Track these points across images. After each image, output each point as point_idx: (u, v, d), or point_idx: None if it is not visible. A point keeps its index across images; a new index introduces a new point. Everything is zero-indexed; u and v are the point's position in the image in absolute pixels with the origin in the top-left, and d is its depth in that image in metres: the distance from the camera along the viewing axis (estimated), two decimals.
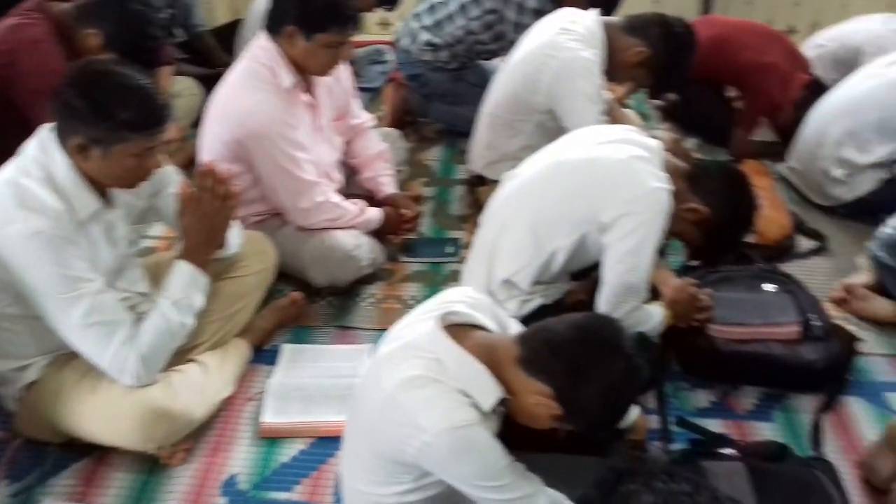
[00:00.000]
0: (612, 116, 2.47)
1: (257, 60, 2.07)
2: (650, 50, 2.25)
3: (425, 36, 2.81)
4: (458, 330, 1.39)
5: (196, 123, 2.43)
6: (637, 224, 1.75)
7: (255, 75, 2.06)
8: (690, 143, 2.94)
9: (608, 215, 1.77)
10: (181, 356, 1.81)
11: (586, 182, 1.82)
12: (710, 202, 1.84)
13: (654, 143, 1.88)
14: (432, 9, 2.83)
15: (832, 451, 1.83)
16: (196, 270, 1.73)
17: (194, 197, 1.72)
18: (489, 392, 1.34)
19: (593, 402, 1.31)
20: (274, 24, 2.05)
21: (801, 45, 3.10)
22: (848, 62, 2.80)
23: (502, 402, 1.36)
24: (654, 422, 1.88)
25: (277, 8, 2.06)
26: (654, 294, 1.98)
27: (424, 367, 1.35)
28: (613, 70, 2.32)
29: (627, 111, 2.78)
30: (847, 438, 1.87)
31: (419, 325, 1.43)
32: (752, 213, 1.93)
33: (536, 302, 1.93)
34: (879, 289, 2.22)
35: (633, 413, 1.67)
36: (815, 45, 3.01)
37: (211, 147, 2.12)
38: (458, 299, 1.48)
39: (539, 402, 1.32)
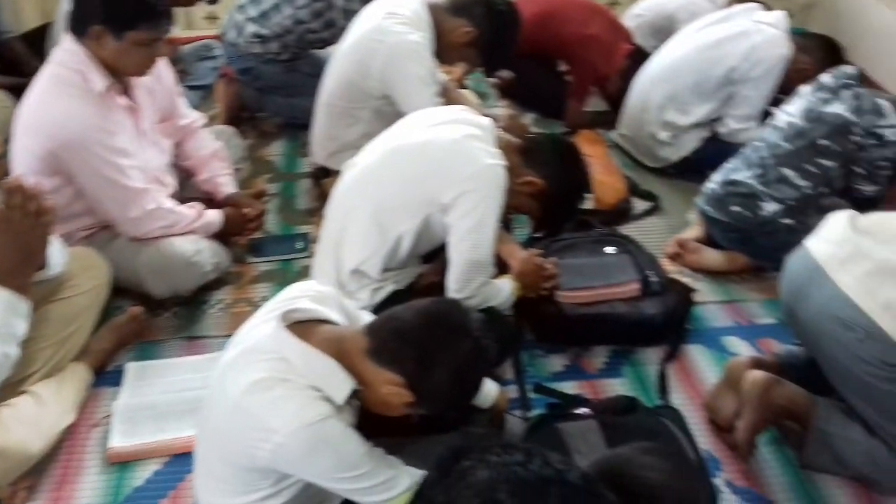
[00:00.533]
0: (449, 97, 2.48)
1: (64, 65, 1.92)
2: (476, 29, 2.29)
3: (252, 28, 2.72)
4: (304, 326, 1.37)
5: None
6: (476, 201, 1.78)
7: (63, 81, 1.91)
8: (528, 117, 3.02)
9: (448, 195, 1.79)
10: (11, 389, 1.68)
11: (423, 165, 1.83)
12: (545, 174, 1.90)
13: (485, 121, 1.91)
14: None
15: (678, 397, 1.95)
16: (13, 295, 1.59)
17: (3, 216, 1.59)
18: (341, 385, 1.33)
19: (444, 386, 1.33)
20: (79, 25, 1.91)
21: (622, 16, 3.26)
22: (665, 29, 2.96)
23: (355, 394, 1.36)
24: (513, 392, 1.94)
25: (81, 7, 1.92)
26: (504, 268, 2.04)
27: (270, 369, 1.32)
28: (442, 51, 2.34)
29: (464, 91, 2.81)
30: (691, 383, 1.99)
31: (262, 326, 1.40)
32: (584, 181, 2.02)
33: (388, 289, 1.92)
34: (709, 241, 2.37)
35: (493, 390, 1.71)
36: (634, 16, 3.17)
37: (23, 161, 1.96)
38: (300, 295, 1.45)
39: (391, 391, 1.32)
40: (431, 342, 1.33)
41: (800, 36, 2.73)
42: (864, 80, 2.35)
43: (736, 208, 2.22)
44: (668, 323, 2.08)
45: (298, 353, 1.32)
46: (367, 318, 1.51)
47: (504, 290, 1.94)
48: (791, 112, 2.23)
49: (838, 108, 2.12)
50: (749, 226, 2.21)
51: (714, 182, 2.34)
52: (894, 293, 1.55)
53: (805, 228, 1.83)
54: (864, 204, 1.98)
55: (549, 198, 1.93)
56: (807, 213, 2.11)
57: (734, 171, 2.28)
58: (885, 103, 2.11)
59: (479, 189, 1.78)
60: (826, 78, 2.23)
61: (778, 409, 1.72)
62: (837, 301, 1.62)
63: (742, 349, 2.07)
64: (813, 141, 2.14)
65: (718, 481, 1.73)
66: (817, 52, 2.66)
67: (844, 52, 2.80)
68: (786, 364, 1.84)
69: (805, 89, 2.27)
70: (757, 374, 1.73)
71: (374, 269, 1.88)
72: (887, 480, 1.69)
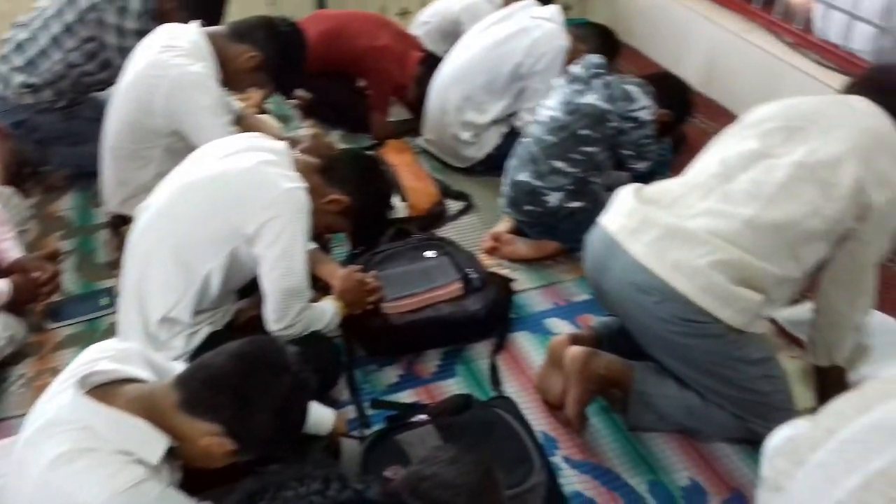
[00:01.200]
0: (246, 125, 2.42)
1: None
2: (261, 53, 2.24)
3: (19, 77, 2.53)
4: (106, 389, 1.28)
5: None
6: (280, 228, 1.74)
7: None
8: (335, 135, 3.01)
9: (250, 226, 1.74)
10: None
11: (219, 198, 1.77)
12: (348, 190, 1.90)
13: (279, 145, 1.88)
14: (20, 47, 2.55)
15: (511, 385, 2.01)
16: None
17: None
18: (153, 444, 1.25)
19: (266, 428, 1.29)
20: None
21: (410, 25, 3.33)
22: (452, 33, 3.04)
23: (173, 451, 1.28)
24: (352, 411, 1.92)
25: None
26: (328, 290, 2.01)
27: (72, 440, 1.22)
28: (230, 79, 2.28)
29: (263, 116, 2.75)
30: (521, 370, 2.06)
31: (59, 396, 1.29)
32: (387, 191, 2.04)
33: (204, 331, 1.85)
34: (520, 231, 2.46)
35: (328, 416, 1.68)
36: (422, 23, 3.24)
37: None
38: (98, 356, 1.35)
39: (210, 442, 1.26)
40: (247, 385, 1.29)
41: (576, 27, 2.90)
42: (636, 59, 2.55)
43: (528, 207, 2.36)
44: (492, 316, 2.14)
45: (102, 418, 1.24)
46: (181, 368, 1.44)
47: (327, 311, 1.91)
48: (551, 106, 2.37)
49: (591, 99, 2.28)
50: (544, 218, 2.34)
51: (505, 185, 2.45)
52: (681, 254, 1.67)
53: (596, 206, 1.94)
54: (646, 177, 2.13)
55: (357, 212, 1.93)
56: (586, 193, 2.27)
57: (515, 171, 2.41)
58: (633, 88, 2.30)
59: (281, 215, 1.74)
60: (577, 69, 2.38)
61: (599, 380, 1.81)
62: (632, 268, 1.73)
63: (563, 328, 2.17)
64: (574, 132, 2.29)
65: (557, 459, 1.80)
66: (594, 40, 2.82)
67: (618, 36, 3.00)
68: (601, 335, 1.95)
69: (559, 81, 2.41)
70: (575, 350, 1.81)
71: (184, 313, 1.80)
72: (704, 427, 1.82)
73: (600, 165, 2.30)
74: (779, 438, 1.35)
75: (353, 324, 2.04)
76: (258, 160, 1.80)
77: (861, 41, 2.68)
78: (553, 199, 2.30)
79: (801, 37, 2.94)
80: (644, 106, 2.27)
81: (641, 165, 2.33)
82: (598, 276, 1.85)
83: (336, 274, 2.03)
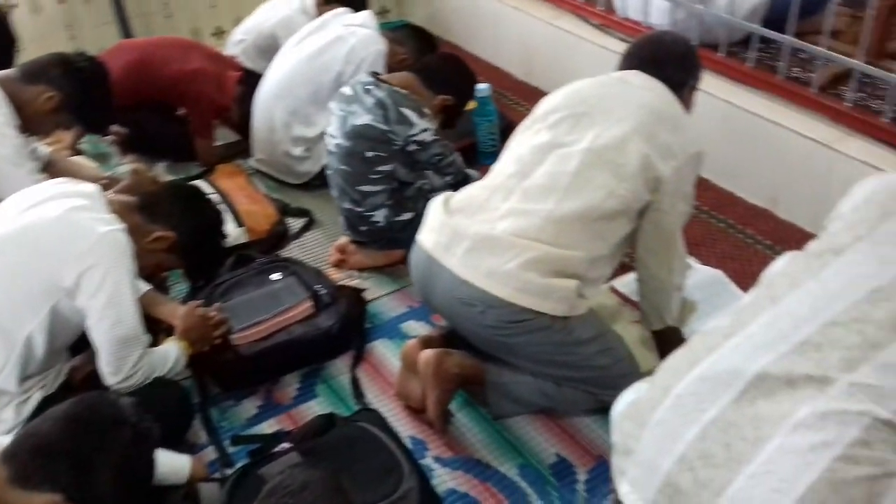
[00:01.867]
0: (58, 169, 2.26)
1: None
2: (59, 93, 2.10)
3: None
4: None
5: None
6: (102, 275, 1.63)
7: None
8: (160, 167, 2.87)
9: (68, 278, 1.62)
10: None
11: (27, 253, 1.64)
12: (172, 224, 1.82)
13: (90, 188, 1.77)
14: None
15: (375, 396, 1.99)
16: None
17: None
18: None
19: (110, 488, 1.22)
20: None
21: (224, 45, 3.24)
22: (269, 48, 2.97)
23: None
24: (212, 453, 1.84)
25: None
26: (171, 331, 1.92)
27: None
28: (31, 123, 2.12)
29: (77, 158, 2.59)
30: (383, 378, 2.04)
31: None
32: (214, 218, 1.97)
33: (36, 398, 1.72)
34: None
35: (184, 464, 1.60)
36: (237, 42, 3.15)
37: None
38: None
39: None
40: (81, 447, 1.21)
41: (391, 30, 2.91)
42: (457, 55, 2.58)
43: (363, 228, 2.34)
44: (347, 329, 2.11)
45: None
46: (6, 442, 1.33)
47: (171, 354, 1.82)
48: (333, 133, 2.34)
49: (366, 119, 2.23)
50: (382, 234, 2.34)
51: (340, 212, 2.43)
52: (492, 261, 1.71)
53: (421, 212, 1.96)
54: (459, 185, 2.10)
55: (186, 247, 1.85)
56: (408, 204, 2.27)
57: (338, 200, 2.39)
58: (409, 112, 2.22)
59: (100, 262, 1.63)
60: (345, 89, 2.35)
61: (455, 378, 1.83)
62: (453, 284, 1.76)
63: (420, 330, 2.17)
64: (362, 156, 2.25)
65: (428, 461, 1.80)
66: (411, 41, 2.86)
67: (433, 35, 3.05)
68: (452, 333, 1.96)
69: (332, 104, 2.38)
70: (427, 353, 1.82)
71: (9, 382, 1.66)
72: (561, 406, 1.87)
73: (405, 177, 2.30)
74: (623, 403, 1.41)
75: (203, 361, 1.95)
76: (67, 207, 1.68)
77: (658, 16, 2.85)
78: (380, 217, 2.30)
79: (606, 17, 3.09)
80: (424, 129, 2.23)
81: (442, 181, 2.34)
82: (426, 293, 1.88)
83: (176, 313, 1.94)
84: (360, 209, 2.31)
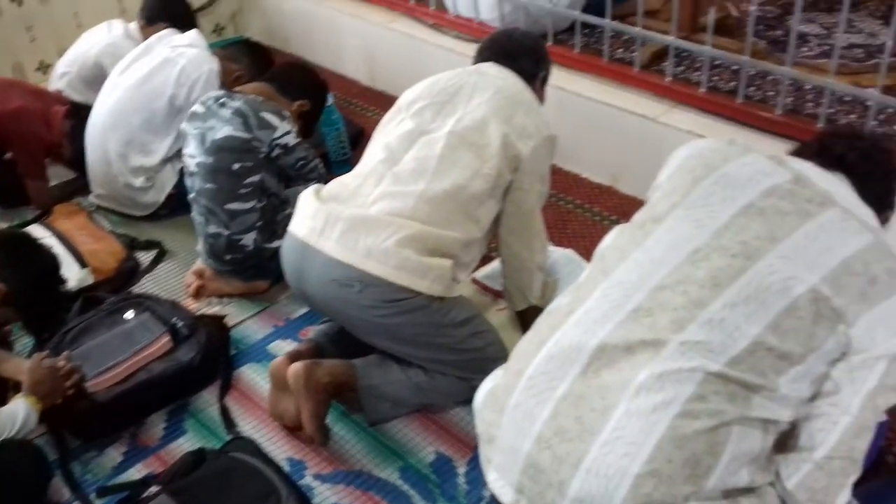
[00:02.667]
0: None
1: None
2: None
3: None
4: None
5: None
6: None
7: None
8: None
9: None
10: None
11: None
12: (2, 277, 1.71)
13: None
14: None
15: (247, 423, 1.94)
16: None
17: None
18: None
19: None
20: None
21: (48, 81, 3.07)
22: (96, 78, 2.83)
23: None
24: None
25: None
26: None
27: None
28: None
29: None
30: (255, 403, 1.99)
31: None
32: (49, 264, 1.87)
33: None
34: None
35: None
36: (61, 75, 2.98)
37: None
38: None
39: None
40: None
41: (223, 48, 2.85)
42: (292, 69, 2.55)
43: (229, 256, 2.26)
44: (210, 359, 2.04)
45: None
46: None
47: (19, 413, 1.71)
48: (191, 153, 2.25)
49: (227, 131, 2.17)
50: (250, 261, 2.26)
51: (200, 241, 2.34)
52: (369, 240, 1.72)
53: None
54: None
55: (20, 298, 1.75)
56: (276, 230, 2.20)
57: (202, 225, 2.29)
58: (270, 116, 2.19)
59: None
60: (196, 107, 2.29)
61: (327, 388, 1.81)
62: (329, 266, 1.75)
63: (288, 348, 2.13)
64: (228, 170, 2.18)
65: (307, 480, 1.77)
66: (245, 57, 2.80)
67: (267, 47, 3.00)
68: (321, 344, 1.95)
69: (184, 125, 2.31)
70: (296, 367, 1.79)
71: None
72: (436, 399, 1.89)
73: (274, 189, 2.25)
74: (482, 393, 1.44)
75: (57, 414, 1.84)
76: None
77: (486, 10, 2.93)
78: (248, 240, 2.22)
79: (439, 17, 3.14)
80: (287, 131, 2.20)
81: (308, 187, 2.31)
82: (300, 282, 1.85)
83: (21, 368, 1.82)
84: (228, 232, 2.21)
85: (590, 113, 2.64)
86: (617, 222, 2.50)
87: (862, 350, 1.19)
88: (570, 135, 2.70)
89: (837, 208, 1.26)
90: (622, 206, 2.56)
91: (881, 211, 1.39)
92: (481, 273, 2.29)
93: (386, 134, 1.94)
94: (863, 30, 2.86)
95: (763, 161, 1.34)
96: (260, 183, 2.21)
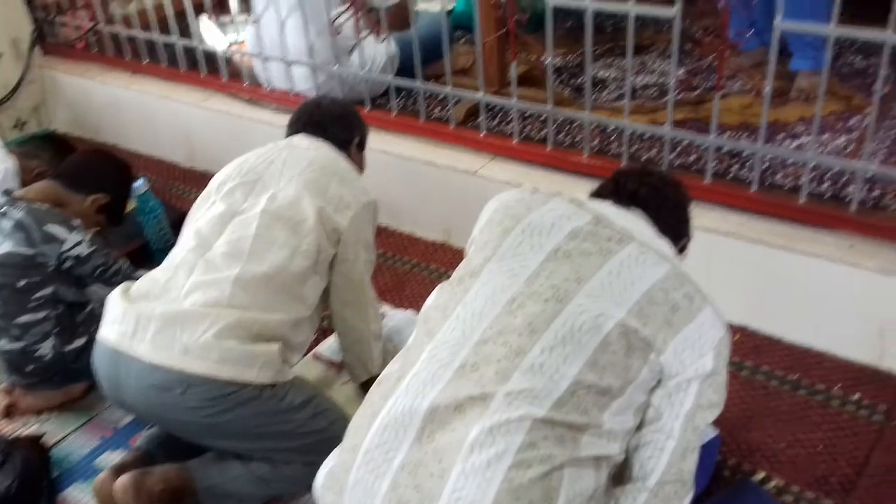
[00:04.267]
0: None
1: None
2: None
3: None
4: None
5: None
6: None
7: None
8: None
9: None
10: None
11: None
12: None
13: None
14: None
15: None
16: None
17: None
18: None
19: None
20: None
21: None
22: None
23: None
24: None
25: None
26: None
27: None
28: None
29: None
30: None
31: None
32: None
33: None
34: None
35: None
36: None
37: None
38: None
39: None
40: None
41: (19, 144, 2.67)
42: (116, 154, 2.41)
43: (29, 367, 2.05)
44: (27, 485, 1.84)
45: None
46: None
47: None
48: None
49: (7, 247, 2.00)
50: (53, 371, 2.06)
51: None
52: (186, 337, 1.62)
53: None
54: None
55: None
56: (76, 329, 2.05)
57: None
58: (56, 228, 2.02)
59: None
60: None
61: (162, 497, 1.67)
62: (146, 372, 1.63)
63: (119, 459, 1.97)
64: (13, 287, 2.00)
65: None
66: (45, 151, 2.63)
67: (67, 138, 2.84)
68: (150, 450, 1.80)
69: None
70: (122, 481, 1.65)
71: None
72: (284, 489, 1.79)
73: (70, 297, 2.08)
74: (322, 474, 1.37)
75: None
76: None
77: (301, 82, 2.93)
78: (46, 349, 2.03)
79: (255, 91, 3.11)
80: (77, 242, 2.03)
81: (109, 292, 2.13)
82: (117, 393, 1.71)
83: None
84: (21, 344, 2.03)
85: (415, 173, 2.67)
86: None
87: (674, 375, 1.24)
88: (398, 196, 2.73)
89: (635, 243, 1.32)
90: (457, 261, 2.52)
91: (677, 240, 1.47)
92: (324, 346, 2.23)
93: (196, 220, 1.86)
94: (654, 70, 3.09)
95: (564, 205, 1.39)
96: (52, 295, 2.03)
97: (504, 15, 2.35)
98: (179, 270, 1.74)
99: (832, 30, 1.84)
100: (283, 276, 1.74)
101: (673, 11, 2.01)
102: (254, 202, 1.82)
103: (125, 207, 2.37)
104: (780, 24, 1.90)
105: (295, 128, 2.03)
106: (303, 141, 1.96)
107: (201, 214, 1.86)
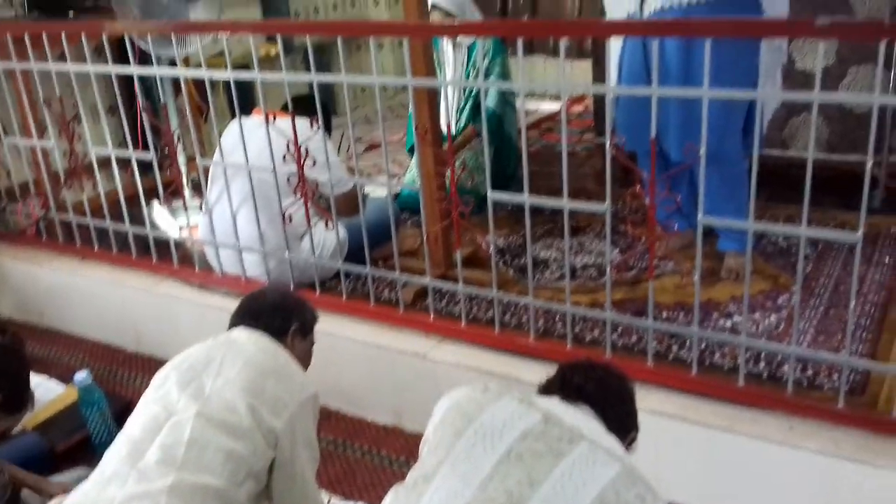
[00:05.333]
0: None
1: None
2: None
3: None
4: None
5: None
6: None
7: None
8: None
9: None
10: None
11: None
12: None
13: None
14: None
15: None
16: None
17: None
18: None
19: None
20: None
21: None
22: None
23: None
24: None
25: None
26: None
27: None
28: None
29: None
30: None
31: None
32: None
33: None
34: None
35: None
36: None
37: None
38: None
39: None
40: None
41: None
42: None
43: None
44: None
45: None
46: None
47: None
48: None
49: None
50: None
51: None
52: None
53: None
54: None
55: None
56: None
57: None
58: None
59: None
60: None
61: None
62: None
63: None
64: None
65: None
66: None
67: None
68: None
69: None
70: None
71: None
72: None
73: None
74: None
75: None
76: None
77: (252, 268, 2.99)
78: None
79: (205, 277, 3.15)
80: None
81: None
82: None
83: None
84: None
85: (365, 356, 2.70)
86: (405, 464, 2.49)
87: None
88: (348, 380, 2.73)
89: (586, 442, 1.35)
90: (409, 446, 2.56)
91: (625, 434, 1.51)
92: None
93: (132, 423, 1.79)
94: (593, 250, 3.25)
95: (514, 404, 1.42)
96: None
97: (448, 207, 2.49)
98: (111, 483, 1.66)
99: (750, 225, 2.00)
100: (217, 482, 1.67)
101: (603, 207, 2.17)
102: (188, 403, 1.76)
103: (19, 408, 2.20)
104: (703, 219, 2.06)
105: (235, 321, 2.03)
106: (242, 335, 1.94)
107: (136, 417, 1.79)
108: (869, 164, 1.81)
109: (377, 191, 3.60)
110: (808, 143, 1.90)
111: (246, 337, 1.93)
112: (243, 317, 2.01)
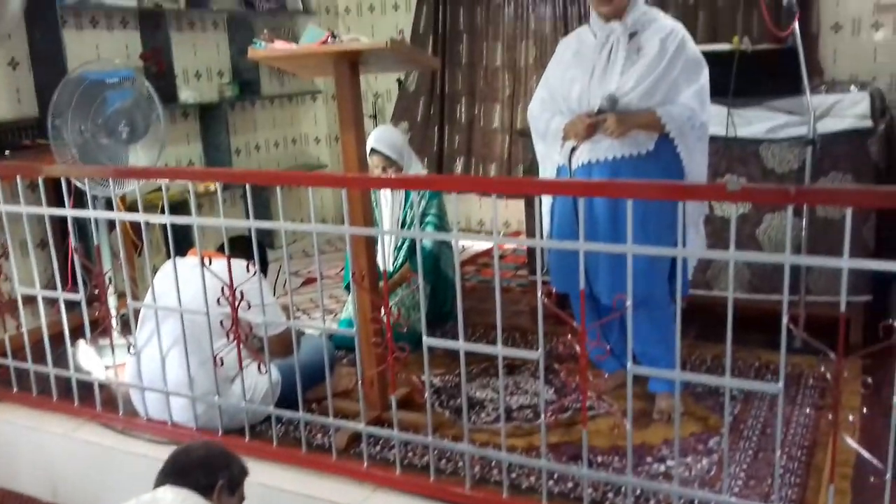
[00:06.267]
0: None
1: None
2: None
3: None
4: None
5: None
6: None
7: None
8: None
9: None
10: None
11: None
12: None
13: None
14: None
15: None
16: None
17: None
18: None
19: None
20: None
21: None
22: None
23: None
24: None
25: None
26: None
27: None
28: None
29: None
30: None
31: None
32: None
33: None
34: None
35: None
36: None
37: None
38: None
39: None
40: None
41: None
42: None
43: None
44: None
45: None
46: None
47: None
48: None
49: None
50: None
51: None
52: None
53: None
54: None
55: None
56: None
57: None
58: None
59: None
60: None
61: None
62: None
63: None
64: None
65: None
66: None
67: None
68: None
69: None
70: None
71: None
72: None
73: None
74: None
75: None
76: None
77: (179, 413, 2.89)
78: None
79: (129, 422, 3.02)
80: None
81: None
82: None
83: None
84: None
85: None
86: None
87: None
88: None
89: None
90: None
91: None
92: None
93: None
94: (528, 390, 3.26)
95: None
96: None
97: (384, 352, 2.48)
98: None
99: (678, 374, 2.05)
100: None
101: (536, 355, 2.20)
102: None
103: None
104: (632, 368, 2.11)
105: (161, 479, 1.99)
106: (167, 494, 1.91)
107: None
108: (785, 320, 1.90)
109: (314, 329, 3.57)
110: (728, 294, 1.98)
111: (172, 496, 1.88)
112: (169, 474, 1.97)
